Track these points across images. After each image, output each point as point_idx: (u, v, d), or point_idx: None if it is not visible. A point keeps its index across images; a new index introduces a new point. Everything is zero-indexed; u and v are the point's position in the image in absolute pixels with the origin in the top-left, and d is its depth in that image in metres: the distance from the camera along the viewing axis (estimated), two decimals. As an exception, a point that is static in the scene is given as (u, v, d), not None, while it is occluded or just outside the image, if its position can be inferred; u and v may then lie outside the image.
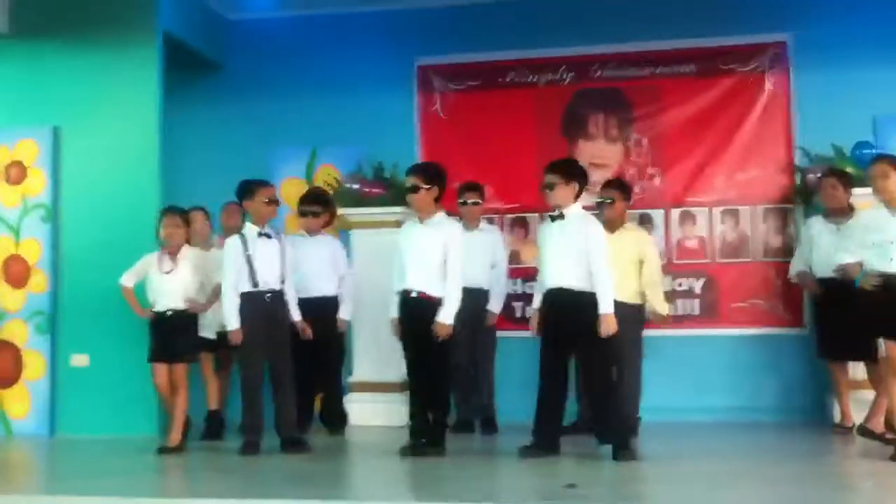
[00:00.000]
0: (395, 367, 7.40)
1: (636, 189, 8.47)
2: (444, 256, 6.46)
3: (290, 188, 8.55)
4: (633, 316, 7.04)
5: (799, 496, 5.12)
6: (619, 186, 7.37)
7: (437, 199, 6.60)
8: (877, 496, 5.30)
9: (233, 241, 6.83)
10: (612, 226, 6.98)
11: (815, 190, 7.73)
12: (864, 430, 6.59)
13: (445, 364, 6.52)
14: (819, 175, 7.68)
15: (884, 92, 8.22)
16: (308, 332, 7.17)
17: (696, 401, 8.13)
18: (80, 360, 7.91)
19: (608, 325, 6.13)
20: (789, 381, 8.20)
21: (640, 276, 7.11)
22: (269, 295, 6.77)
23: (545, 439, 6.27)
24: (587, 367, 6.29)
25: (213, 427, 7.52)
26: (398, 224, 7.62)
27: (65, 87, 8.20)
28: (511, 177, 8.69)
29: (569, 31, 8.73)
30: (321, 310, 7.38)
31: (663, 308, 7.23)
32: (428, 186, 6.55)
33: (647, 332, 7.37)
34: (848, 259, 6.46)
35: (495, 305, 7.83)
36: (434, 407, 6.52)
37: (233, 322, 6.70)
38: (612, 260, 6.35)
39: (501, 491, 5.55)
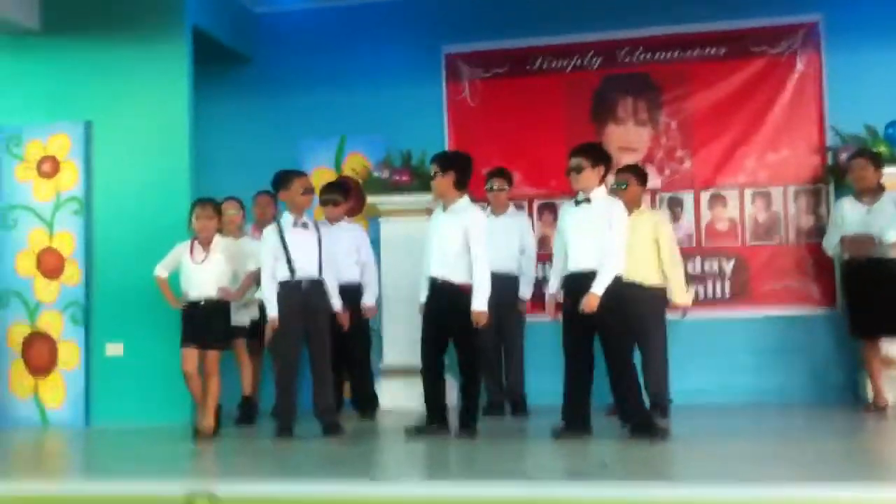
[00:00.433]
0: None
1: (666, 172, 8.49)
2: (465, 242, 6.47)
3: (319, 178, 8.57)
4: (654, 297, 7.05)
5: (832, 474, 5.06)
6: (633, 171, 7.38)
7: (459, 186, 6.61)
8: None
9: (270, 231, 6.89)
10: (627, 209, 6.95)
11: (847, 170, 7.67)
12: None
13: (474, 349, 6.53)
14: (849, 156, 7.62)
15: (916, 71, 8.13)
16: (346, 322, 7.22)
17: (727, 383, 8.10)
18: (114, 349, 8.00)
19: (590, 303, 6.11)
20: (822, 361, 8.15)
21: (659, 257, 7.11)
22: (306, 283, 6.81)
23: (575, 420, 6.27)
24: (604, 348, 6.27)
25: (247, 412, 7.60)
26: (427, 212, 7.66)
27: (96, 82, 8.29)
28: (540, 162, 8.69)
29: (596, 16, 8.70)
30: (344, 297, 7.40)
31: (682, 297, 7.23)
32: (444, 173, 6.58)
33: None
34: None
35: (526, 291, 7.83)
36: (465, 391, 6.53)
37: (271, 310, 6.75)
38: (630, 243, 6.38)
39: (533, 470, 5.54)
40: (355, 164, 8.77)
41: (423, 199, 8.03)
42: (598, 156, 6.40)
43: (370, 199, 8.38)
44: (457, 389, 6.64)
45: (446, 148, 8.70)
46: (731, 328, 8.26)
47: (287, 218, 6.94)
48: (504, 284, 7.61)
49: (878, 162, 7.40)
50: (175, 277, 7.14)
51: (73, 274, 8.13)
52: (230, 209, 7.72)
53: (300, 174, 7.12)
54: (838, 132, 8.14)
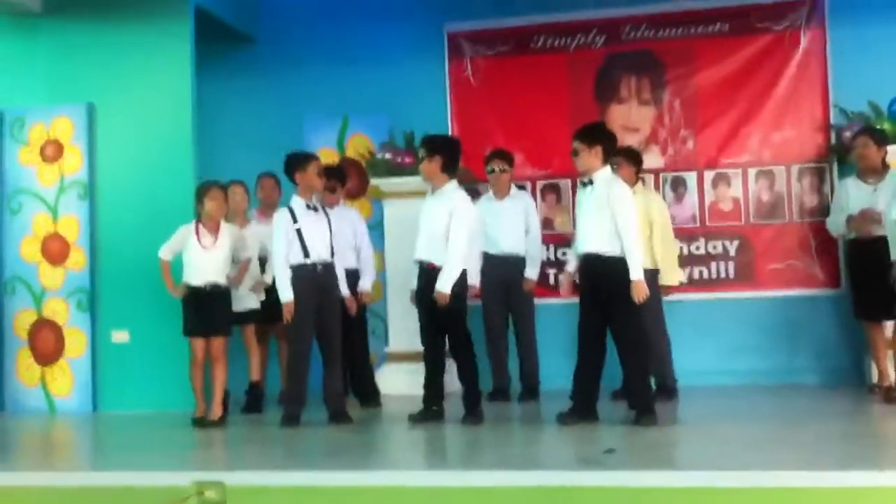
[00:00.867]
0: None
1: (669, 152, 8.49)
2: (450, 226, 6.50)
3: (322, 159, 8.56)
4: (649, 280, 7.06)
5: (836, 455, 5.11)
6: (625, 152, 7.30)
7: (446, 170, 6.63)
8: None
9: (282, 214, 6.84)
10: None
11: (851, 148, 7.64)
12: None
13: (458, 333, 6.56)
14: (853, 134, 7.59)
15: (921, 47, 8.08)
16: (353, 308, 7.22)
17: (731, 364, 8.13)
18: (120, 336, 8.02)
19: (638, 290, 6.13)
20: (826, 342, 8.15)
21: (651, 240, 7.11)
22: (320, 266, 6.81)
23: (583, 405, 6.30)
24: (613, 332, 6.29)
25: (254, 399, 7.58)
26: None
27: (98, 63, 8.25)
28: (543, 142, 8.66)
29: (599, -7, 8.65)
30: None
31: (671, 278, 7.24)
32: (431, 157, 6.59)
33: (684, 297, 7.36)
34: None
35: (532, 272, 7.82)
36: (461, 377, 6.58)
37: (286, 294, 6.70)
38: None
39: (540, 457, 5.58)
40: (358, 145, 8.75)
41: (427, 180, 8.02)
42: (593, 136, 6.37)
43: (373, 181, 8.36)
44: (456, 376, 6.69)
45: (449, 128, 8.73)
46: (735, 309, 8.26)
47: (298, 201, 6.89)
48: (512, 267, 7.65)
49: (881, 140, 7.33)
50: (175, 261, 7.12)
51: (78, 260, 8.14)
52: (237, 194, 7.66)
53: (314, 156, 7.11)
54: (842, 109, 8.11)
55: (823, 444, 5.43)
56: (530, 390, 7.70)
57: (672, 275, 7.29)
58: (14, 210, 8.29)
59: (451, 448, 6.08)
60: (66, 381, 8.10)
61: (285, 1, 9.28)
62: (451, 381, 6.88)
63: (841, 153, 8.05)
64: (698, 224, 8.38)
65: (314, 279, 6.76)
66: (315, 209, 6.92)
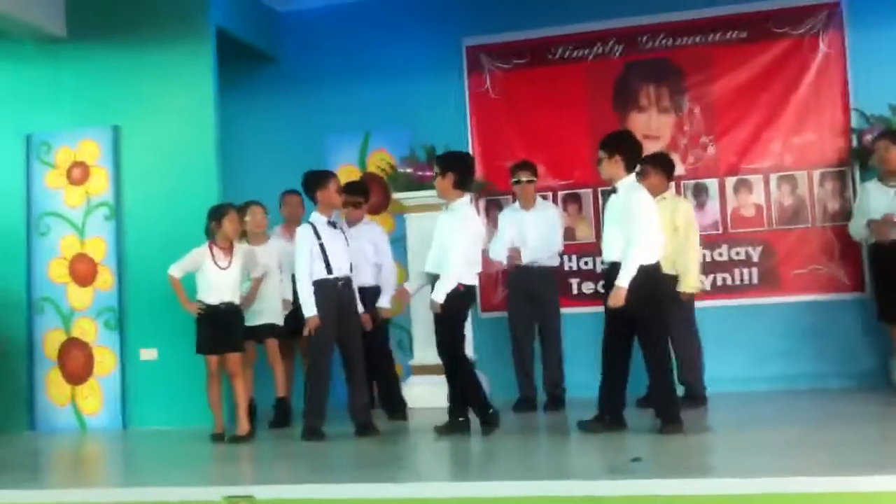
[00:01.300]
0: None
1: (690, 159, 8.50)
2: None
3: (344, 176, 8.61)
4: (671, 287, 7.06)
5: (864, 459, 5.07)
6: (650, 160, 7.31)
7: (459, 186, 6.71)
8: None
9: (306, 230, 6.90)
10: None
11: (872, 151, 7.63)
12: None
13: (447, 340, 6.63)
14: (874, 137, 7.59)
15: (941, 49, 8.07)
16: (369, 324, 7.27)
17: (757, 370, 8.12)
18: (148, 354, 8.11)
19: (617, 297, 6.12)
20: (851, 346, 8.11)
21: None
22: (341, 282, 6.88)
23: (610, 413, 6.31)
24: (639, 341, 6.30)
25: (282, 414, 7.61)
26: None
27: (122, 86, 8.37)
28: (564, 153, 8.69)
29: (616, 3, 8.69)
30: (361, 299, 7.36)
31: (690, 285, 7.23)
32: (444, 174, 6.68)
33: (708, 303, 7.35)
34: None
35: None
36: (450, 384, 6.68)
37: (310, 309, 6.77)
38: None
39: (567, 467, 5.60)
40: (379, 161, 8.82)
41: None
42: (614, 145, 6.38)
43: (395, 195, 8.42)
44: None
45: (469, 141, 8.79)
46: (760, 315, 8.25)
47: (318, 217, 6.97)
48: (538, 276, 7.70)
49: (902, 142, 7.35)
50: (187, 281, 7.16)
51: (106, 280, 8.24)
52: (257, 213, 7.74)
53: (332, 174, 7.19)
54: (863, 113, 8.10)
55: (851, 448, 5.41)
56: (556, 400, 7.71)
57: (689, 281, 7.27)
58: (42, 232, 8.40)
59: (477, 459, 6.09)
60: (96, 400, 8.19)
61: (304, 20, 9.37)
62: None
63: (862, 157, 8.03)
64: (721, 231, 8.39)
65: (336, 294, 6.84)
66: (334, 225, 6.99)
